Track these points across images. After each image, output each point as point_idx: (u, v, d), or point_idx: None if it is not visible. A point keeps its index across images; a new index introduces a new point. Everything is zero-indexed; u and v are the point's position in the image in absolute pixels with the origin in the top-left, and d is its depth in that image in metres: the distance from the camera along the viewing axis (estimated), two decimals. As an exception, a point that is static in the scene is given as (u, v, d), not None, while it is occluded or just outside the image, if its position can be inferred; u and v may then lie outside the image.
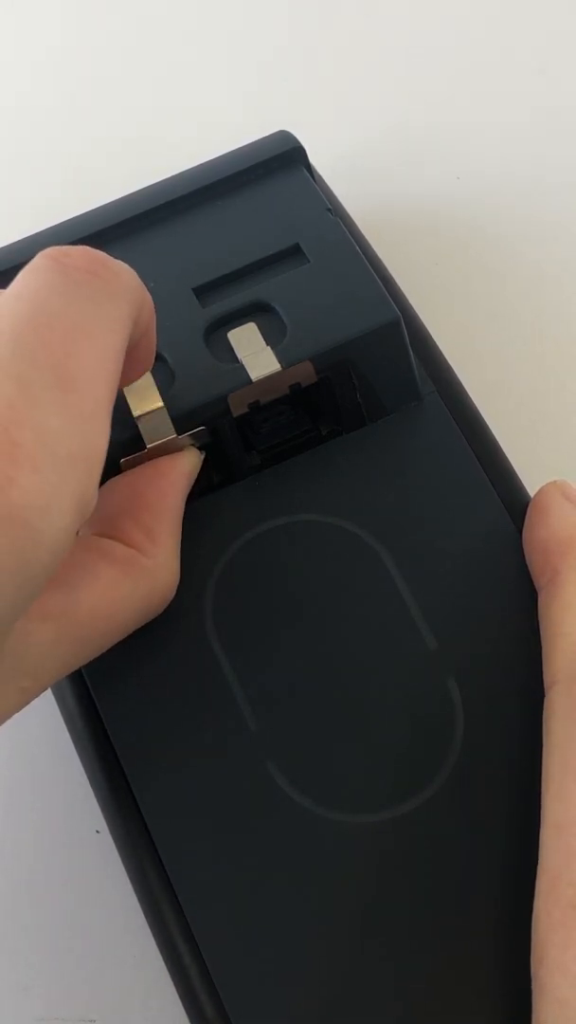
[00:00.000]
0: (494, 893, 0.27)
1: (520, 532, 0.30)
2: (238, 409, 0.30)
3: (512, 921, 0.27)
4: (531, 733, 0.28)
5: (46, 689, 0.26)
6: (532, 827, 0.27)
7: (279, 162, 0.34)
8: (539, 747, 0.28)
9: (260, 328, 0.31)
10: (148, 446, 0.30)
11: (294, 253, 0.32)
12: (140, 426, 0.29)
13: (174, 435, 0.30)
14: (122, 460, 0.30)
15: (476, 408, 0.32)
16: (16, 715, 0.34)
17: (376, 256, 0.35)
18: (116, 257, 0.31)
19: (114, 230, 0.33)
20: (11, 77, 0.46)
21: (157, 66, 0.45)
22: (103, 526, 0.28)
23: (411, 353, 0.31)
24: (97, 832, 0.33)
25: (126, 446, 0.30)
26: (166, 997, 0.31)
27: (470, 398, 0.33)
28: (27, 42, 0.46)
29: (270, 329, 0.31)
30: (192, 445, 0.30)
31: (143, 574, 0.28)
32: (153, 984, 0.31)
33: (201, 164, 0.34)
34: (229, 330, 0.31)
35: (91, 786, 0.29)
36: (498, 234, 0.41)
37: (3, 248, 0.33)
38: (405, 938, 0.27)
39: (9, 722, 0.34)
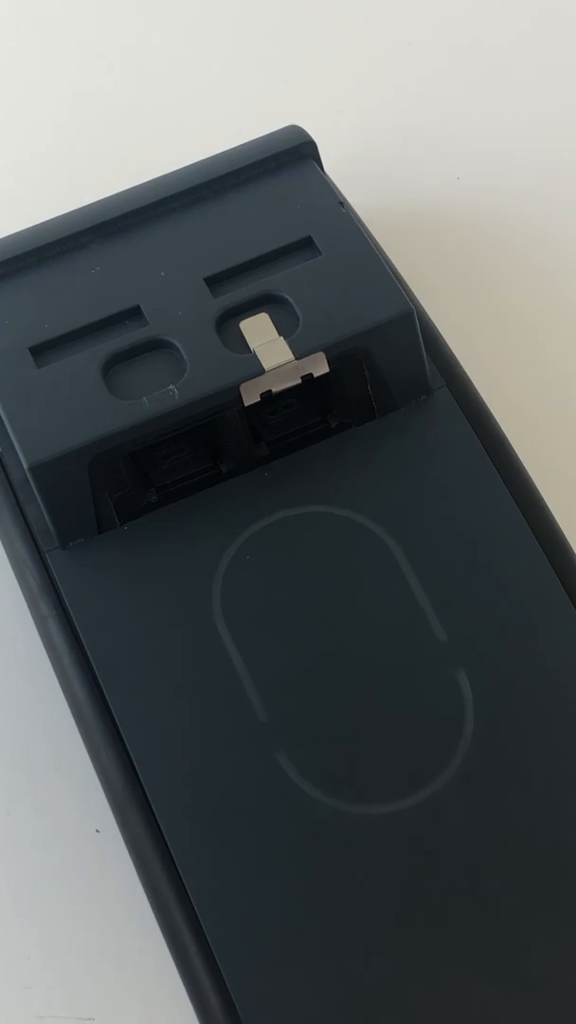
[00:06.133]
0: (504, 884, 0.27)
1: (528, 524, 0.30)
2: (250, 398, 0.30)
3: (522, 912, 0.27)
4: (540, 725, 0.28)
5: None
6: (542, 818, 0.27)
7: (291, 155, 0.34)
8: (547, 739, 0.28)
9: (272, 318, 0.31)
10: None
11: (306, 245, 0.32)
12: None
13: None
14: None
15: (484, 403, 0.32)
16: (18, 712, 0.34)
17: (383, 252, 0.35)
18: (128, 246, 0.31)
19: (126, 219, 0.33)
20: (22, 75, 0.45)
21: (158, 65, 0.45)
22: None
23: (422, 346, 0.31)
24: (97, 831, 0.32)
25: (133, 432, 0.30)
26: (165, 996, 0.31)
27: (478, 393, 0.33)
28: (36, 42, 0.46)
29: (282, 320, 0.31)
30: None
31: None
32: (152, 983, 0.31)
33: (213, 156, 0.34)
34: (241, 320, 0.31)
35: (99, 779, 0.29)
36: (498, 233, 0.41)
37: (15, 234, 0.33)
38: (415, 929, 0.27)
39: (10, 719, 0.34)
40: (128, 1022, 0.31)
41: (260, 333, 0.31)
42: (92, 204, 0.34)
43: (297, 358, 0.30)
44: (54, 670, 0.30)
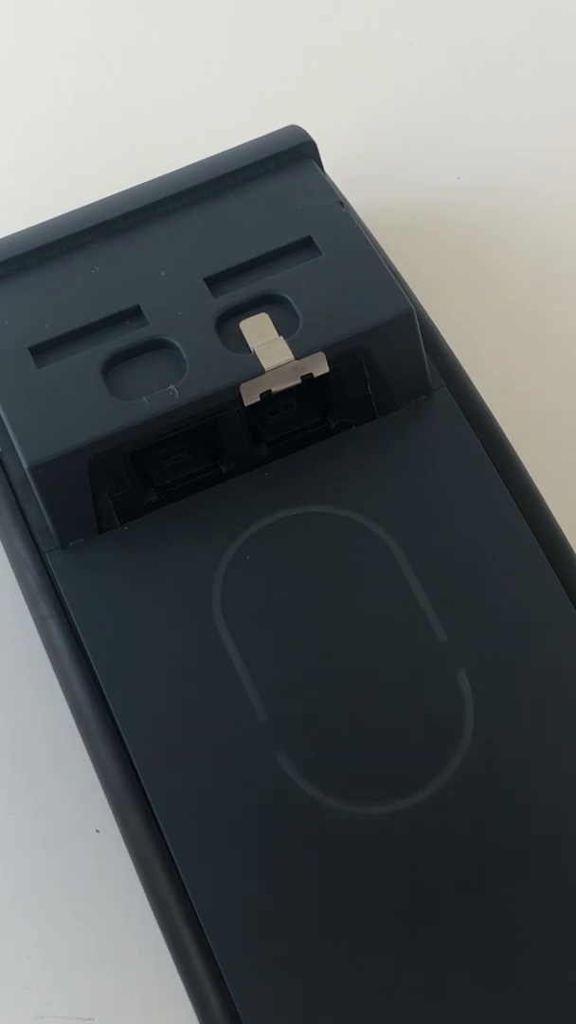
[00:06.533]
0: (505, 884, 0.27)
1: (528, 524, 0.30)
2: (250, 398, 0.30)
3: (522, 911, 0.27)
4: (540, 725, 0.28)
5: None
6: (542, 818, 0.27)
7: (291, 156, 0.34)
8: (547, 739, 0.28)
9: (272, 318, 0.31)
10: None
11: (306, 245, 0.32)
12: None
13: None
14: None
15: (484, 403, 0.33)
16: (18, 712, 0.34)
17: (383, 252, 0.35)
18: (128, 246, 0.31)
19: (126, 219, 0.33)
20: (22, 75, 0.46)
21: (158, 65, 0.45)
22: None
23: (422, 346, 0.31)
24: (97, 831, 0.32)
25: (133, 432, 0.30)
26: (165, 996, 0.31)
27: (478, 393, 0.33)
28: (36, 42, 0.46)
29: (282, 320, 0.31)
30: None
31: None
32: (152, 983, 0.31)
33: (213, 156, 0.34)
34: (241, 320, 0.31)
35: (99, 779, 0.29)
36: (498, 233, 0.41)
37: (15, 234, 0.33)
38: (415, 929, 0.27)
39: (10, 719, 0.34)
40: (128, 1022, 0.31)
41: (260, 333, 0.31)
42: (92, 204, 0.34)
43: (297, 358, 0.30)
44: (54, 670, 0.30)
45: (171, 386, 0.30)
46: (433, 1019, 0.26)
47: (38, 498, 0.30)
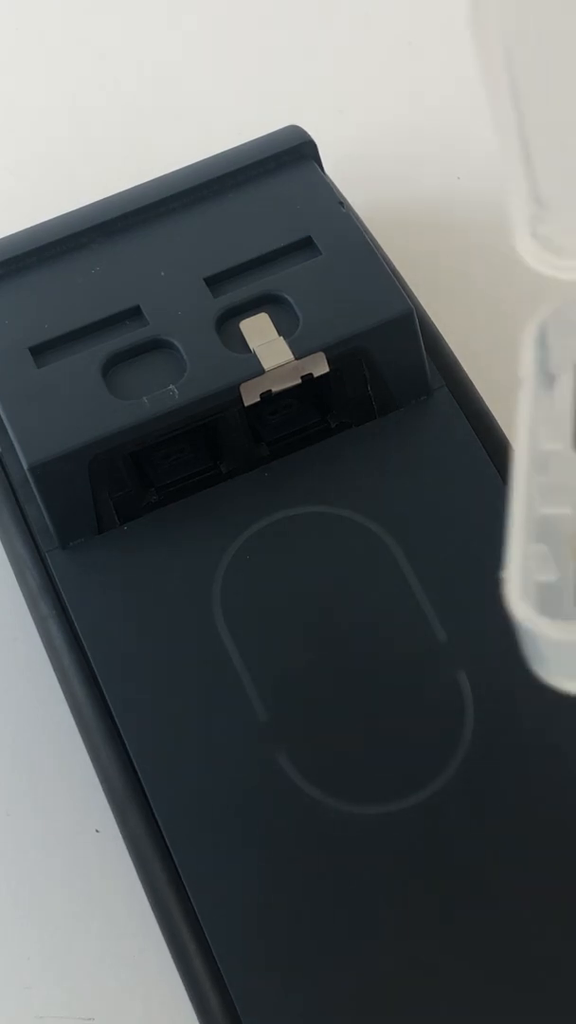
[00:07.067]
0: (504, 885, 0.27)
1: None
2: (250, 398, 0.30)
3: (522, 912, 0.27)
4: (540, 725, 0.28)
5: None
6: (542, 819, 0.27)
7: (291, 155, 0.34)
8: (547, 739, 0.28)
9: (272, 318, 0.31)
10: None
11: (306, 245, 0.32)
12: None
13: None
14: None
15: (484, 403, 0.33)
16: (18, 712, 0.34)
17: (383, 252, 0.35)
18: (128, 246, 0.31)
19: (126, 219, 0.33)
20: (22, 75, 0.46)
21: (158, 65, 0.45)
22: None
23: (423, 346, 0.31)
24: (97, 831, 0.32)
25: (133, 432, 0.30)
26: (166, 996, 0.30)
27: (478, 393, 0.33)
28: (36, 42, 0.46)
29: (282, 320, 0.31)
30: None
31: None
32: (153, 983, 0.31)
33: (213, 156, 0.34)
34: (241, 320, 0.31)
35: (99, 779, 0.29)
36: (498, 233, 0.41)
37: (15, 234, 0.33)
38: (415, 930, 0.27)
39: (10, 719, 0.34)
40: (128, 1022, 0.31)
41: (260, 333, 0.31)
42: (92, 204, 0.34)
43: (297, 358, 0.30)
44: (54, 670, 0.30)
45: (171, 386, 0.30)
46: (434, 1019, 0.26)
47: (38, 498, 0.30)
